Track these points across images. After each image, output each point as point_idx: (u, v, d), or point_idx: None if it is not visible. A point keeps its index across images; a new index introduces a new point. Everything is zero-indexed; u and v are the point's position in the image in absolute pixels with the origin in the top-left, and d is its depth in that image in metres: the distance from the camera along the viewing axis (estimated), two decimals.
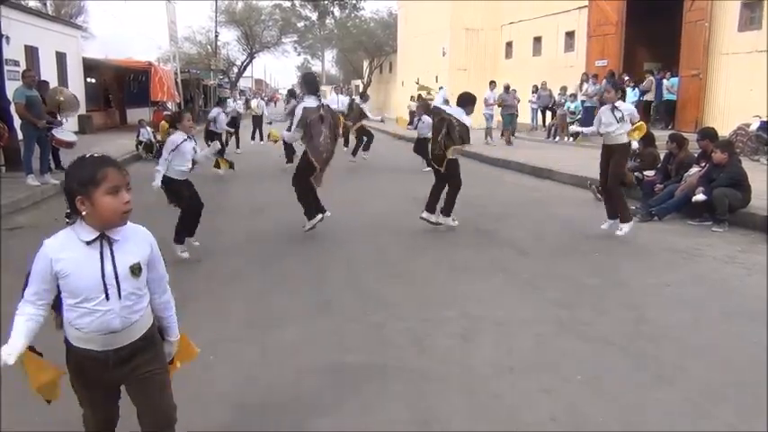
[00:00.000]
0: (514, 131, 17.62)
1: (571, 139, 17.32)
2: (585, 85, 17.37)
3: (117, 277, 1.95)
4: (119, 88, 26.11)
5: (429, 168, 8.52)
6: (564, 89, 18.49)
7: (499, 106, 17.61)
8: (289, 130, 7.33)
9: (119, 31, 72.07)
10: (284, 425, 2.96)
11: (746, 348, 3.79)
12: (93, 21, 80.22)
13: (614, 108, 6.44)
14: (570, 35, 20.92)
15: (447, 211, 7.07)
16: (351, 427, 2.93)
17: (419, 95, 22.63)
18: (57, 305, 2.01)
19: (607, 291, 4.95)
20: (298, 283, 5.19)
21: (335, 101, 18.73)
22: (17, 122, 10.00)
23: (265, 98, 46.78)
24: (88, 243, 1.94)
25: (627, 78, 17.01)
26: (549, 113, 20.01)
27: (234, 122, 15.60)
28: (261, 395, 3.24)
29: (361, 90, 25.99)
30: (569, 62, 20.55)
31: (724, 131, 11.65)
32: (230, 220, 7.80)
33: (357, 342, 3.93)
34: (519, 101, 17.71)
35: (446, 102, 9.95)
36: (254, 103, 20.62)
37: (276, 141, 7.22)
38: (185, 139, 5.69)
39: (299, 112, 6.57)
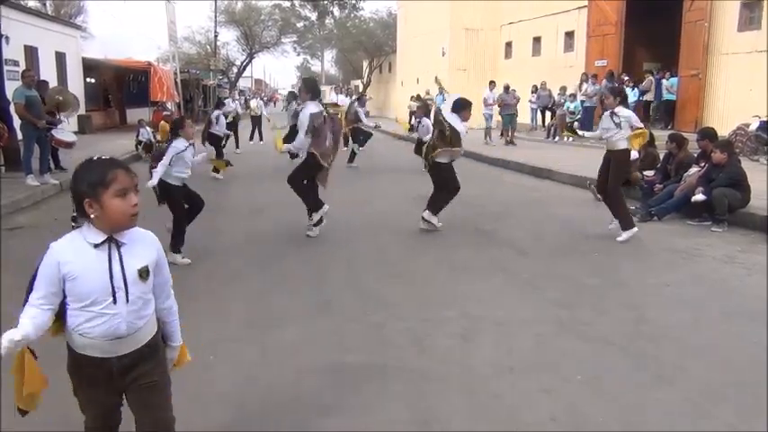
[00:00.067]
0: (514, 131, 17.59)
1: (570, 138, 17.33)
2: (585, 86, 17.38)
3: (125, 280, 1.93)
4: (118, 88, 26.10)
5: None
6: (563, 89, 18.50)
7: (499, 106, 17.61)
8: (289, 136, 7.38)
9: (118, 31, 72.02)
10: (284, 425, 2.96)
11: (746, 348, 3.79)
12: (93, 21, 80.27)
13: (613, 114, 6.45)
14: (570, 35, 20.93)
15: (434, 209, 7.00)
16: (351, 427, 2.92)
17: (418, 95, 22.69)
18: (59, 312, 1.99)
19: (607, 291, 4.95)
20: (298, 283, 5.18)
21: (335, 101, 18.75)
22: (17, 122, 10.00)
23: (265, 98, 46.84)
24: (96, 246, 1.92)
25: (626, 78, 17.03)
26: (548, 113, 20.02)
27: (233, 123, 15.59)
28: (261, 395, 3.24)
29: (360, 90, 26.03)
30: (569, 62, 20.56)
31: (723, 131, 11.66)
32: (230, 220, 7.80)
33: (357, 342, 3.93)
34: (519, 100, 17.69)
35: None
36: (253, 103, 20.61)
37: (281, 152, 7.10)
38: (187, 147, 5.73)
39: (305, 119, 6.57)
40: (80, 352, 1.98)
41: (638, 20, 17.33)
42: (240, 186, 10.85)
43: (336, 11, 45.74)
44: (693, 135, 8.90)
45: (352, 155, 13.61)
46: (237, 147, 16.34)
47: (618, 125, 6.40)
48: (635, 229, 6.48)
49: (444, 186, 7.00)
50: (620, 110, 6.44)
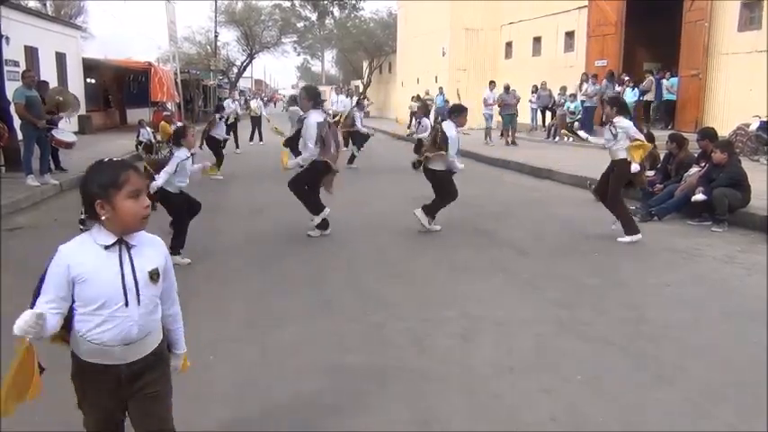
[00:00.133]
0: (515, 132, 17.58)
1: (570, 138, 17.33)
2: (585, 86, 17.37)
3: (136, 283, 1.91)
4: (118, 88, 26.11)
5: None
6: (564, 89, 18.50)
7: (499, 106, 17.60)
8: (291, 140, 7.40)
9: (118, 32, 72.04)
10: (284, 425, 2.96)
11: (746, 348, 3.79)
12: (93, 21, 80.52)
13: (611, 124, 6.50)
14: (570, 35, 20.93)
15: (427, 209, 6.98)
16: (351, 427, 2.92)
17: (418, 96, 22.72)
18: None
19: (607, 291, 4.95)
20: (298, 283, 5.19)
21: (335, 101, 18.76)
22: (17, 123, 10.00)
23: (265, 98, 46.83)
24: (107, 248, 1.90)
25: (627, 78, 17.02)
26: (548, 113, 20.02)
27: (233, 124, 15.60)
28: (261, 395, 3.24)
29: (360, 90, 26.00)
30: (569, 62, 20.56)
31: (724, 131, 11.65)
32: (230, 220, 7.81)
33: (357, 342, 3.93)
34: (519, 99, 17.68)
35: (446, 102, 9.96)
36: (253, 104, 20.62)
37: (288, 168, 7.02)
38: (189, 156, 5.76)
39: (312, 129, 6.57)
40: (88, 360, 1.94)
41: (639, 20, 17.32)
42: (240, 186, 10.85)
43: (336, 11, 45.76)
44: (693, 135, 8.90)
45: (352, 156, 13.61)
46: (237, 147, 16.34)
47: (615, 136, 6.44)
48: (639, 236, 6.44)
49: (441, 193, 7.00)
50: (618, 120, 6.43)
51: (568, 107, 17.91)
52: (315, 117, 6.63)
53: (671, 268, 5.59)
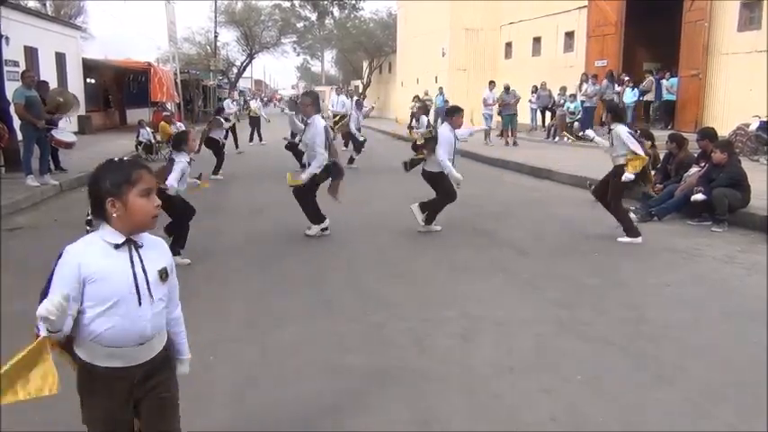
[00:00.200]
0: (516, 132, 17.56)
1: (568, 138, 17.33)
2: (585, 86, 17.37)
3: (147, 281, 1.90)
4: (118, 89, 26.11)
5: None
6: (563, 89, 18.49)
7: (500, 107, 17.59)
8: (295, 152, 7.31)
9: (118, 32, 72.04)
10: (284, 425, 2.96)
11: (746, 348, 3.79)
12: (93, 21, 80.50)
13: (610, 130, 6.58)
14: (570, 35, 20.93)
15: (424, 207, 6.99)
16: (351, 427, 2.93)
17: (417, 96, 22.73)
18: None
19: (607, 291, 4.95)
20: (298, 283, 5.19)
21: (335, 102, 18.75)
22: (17, 123, 10.00)
23: (265, 98, 46.81)
24: (117, 247, 1.88)
25: (627, 79, 17.02)
26: (548, 114, 20.02)
27: (232, 125, 15.64)
28: (261, 395, 3.24)
29: (360, 90, 25.98)
30: (569, 62, 20.56)
31: (723, 131, 11.65)
32: (230, 220, 7.81)
33: (357, 342, 3.93)
34: (519, 99, 17.66)
35: (446, 102, 9.98)
36: (253, 104, 20.65)
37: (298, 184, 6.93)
38: (190, 161, 5.78)
39: (321, 134, 6.59)
40: (100, 364, 1.89)
41: (638, 20, 17.32)
42: (240, 187, 10.84)
43: (336, 11, 45.78)
44: (693, 135, 8.90)
45: (351, 157, 13.65)
46: (237, 147, 16.35)
47: (611, 142, 6.54)
48: (639, 239, 6.45)
49: (443, 194, 6.99)
50: (616, 128, 6.48)
51: (568, 107, 17.91)
52: (321, 122, 6.66)
53: (671, 268, 5.59)
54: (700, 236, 6.72)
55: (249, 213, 8.29)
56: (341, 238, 6.76)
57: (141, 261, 1.90)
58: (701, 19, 15.04)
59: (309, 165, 6.79)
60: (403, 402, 3.14)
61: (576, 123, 17.74)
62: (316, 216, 6.78)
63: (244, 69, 48.70)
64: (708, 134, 7.73)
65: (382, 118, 34.44)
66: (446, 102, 20.40)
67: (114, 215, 1.86)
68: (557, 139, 17.91)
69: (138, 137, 14.94)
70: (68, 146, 10.61)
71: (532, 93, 19.99)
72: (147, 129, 15.10)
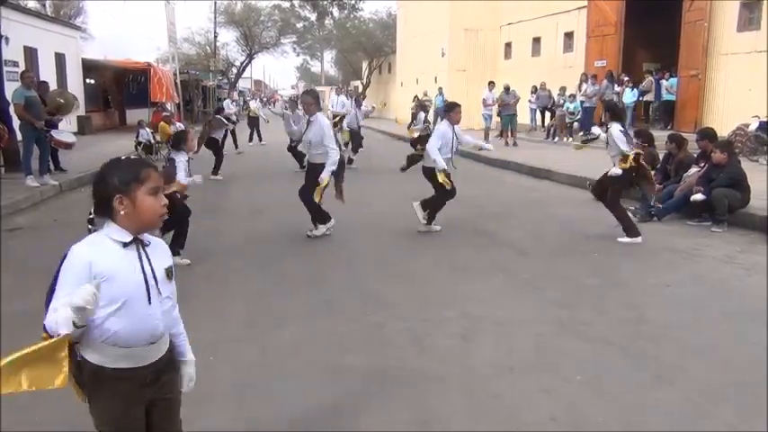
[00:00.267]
0: (515, 132, 17.55)
1: (569, 139, 17.33)
2: (585, 86, 17.37)
3: (156, 280, 1.88)
4: (118, 89, 26.11)
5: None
6: (563, 89, 18.50)
7: (500, 107, 17.59)
8: (295, 153, 7.23)
9: (118, 32, 72.12)
10: (284, 425, 2.96)
11: (746, 348, 3.79)
12: (93, 21, 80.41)
13: (607, 129, 6.61)
14: (569, 35, 20.93)
15: (426, 204, 6.99)
16: (351, 427, 2.93)
17: (416, 96, 22.73)
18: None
19: (607, 291, 4.95)
20: (298, 283, 5.19)
21: (335, 102, 18.76)
22: (17, 123, 10.00)
23: (264, 99, 46.77)
24: (125, 245, 1.86)
25: (626, 79, 17.03)
26: (548, 114, 20.02)
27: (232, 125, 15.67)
28: (261, 395, 3.24)
29: (359, 90, 25.95)
30: (568, 62, 20.56)
31: (723, 132, 11.66)
32: (230, 220, 7.80)
33: (357, 342, 3.93)
34: (518, 99, 17.65)
35: (445, 102, 9.99)
36: (252, 104, 20.64)
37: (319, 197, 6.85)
38: (189, 159, 5.80)
39: (328, 132, 6.62)
40: (109, 366, 1.85)
41: (638, 20, 17.33)
42: (240, 187, 10.84)
43: (336, 11, 45.77)
44: (693, 135, 8.90)
45: (350, 158, 13.65)
46: (237, 147, 16.35)
47: (607, 141, 6.57)
48: (639, 239, 6.45)
49: (441, 191, 6.98)
50: (611, 126, 6.52)
51: (567, 107, 17.91)
52: (325, 120, 6.70)
53: (671, 268, 5.59)
54: (699, 236, 6.72)
55: (249, 213, 8.29)
56: (341, 238, 6.76)
57: (149, 259, 1.89)
58: (701, 19, 15.05)
59: (310, 164, 6.77)
60: (403, 402, 3.14)
61: (576, 123, 17.75)
62: (320, 215, 6.78)
63: (243, 70, 48.69)
64: (707, 134, 7.73)
65: (382, 118, 34.43)
66: (445, 102, 20.37)
67: (122, 212, 1.84)
68: (556, 139, 17.91)
69: (137, 137, 14.92)
70: (68, 146, 10.60)
71: (532, 93, 19.99)
72: (147, 129, 15.09)
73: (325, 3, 44.76)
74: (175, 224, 5.77)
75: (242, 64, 47.50)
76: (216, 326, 4.14)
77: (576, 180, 10.33)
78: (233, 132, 16.14)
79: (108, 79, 24.81)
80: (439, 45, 27.02)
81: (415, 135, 7.03)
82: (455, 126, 6.98)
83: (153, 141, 14.71)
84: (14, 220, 7.71)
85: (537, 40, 22.85)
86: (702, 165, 7.46)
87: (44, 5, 30.16)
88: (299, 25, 47.28)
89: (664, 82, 16.44)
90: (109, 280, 1.80)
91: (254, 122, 19.14)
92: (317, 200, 6.58)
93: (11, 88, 10.49)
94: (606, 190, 6.74)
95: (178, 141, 5.90)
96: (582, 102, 17.32)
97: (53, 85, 14.46)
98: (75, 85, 19.61)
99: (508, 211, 8.30)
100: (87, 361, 1.85)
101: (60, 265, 1.82)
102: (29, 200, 8.78)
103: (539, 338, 3.97)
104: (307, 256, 6.10)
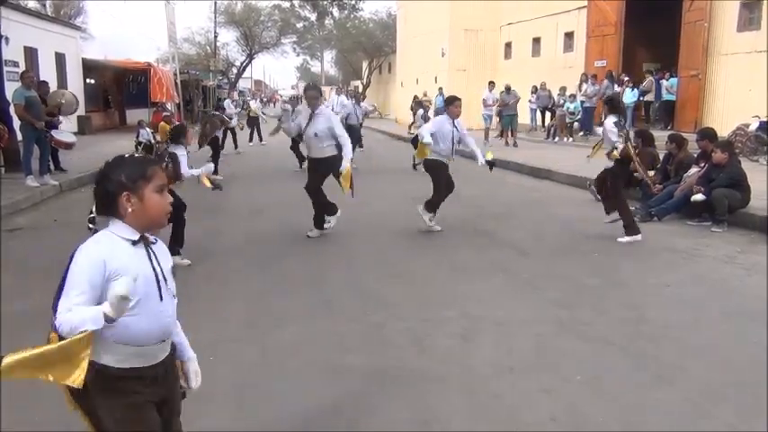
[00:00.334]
0: (516, 132, 17.54)
1: (570, 138, 17.34)
2: (585, 86, 17.36)
3: (164, 277, 1.88)
4: (118, 89, 26.11)
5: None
6: (563, 89, 18.49)
7: (500, 107, 17.57)
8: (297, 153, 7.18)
9: (118, 32, 72.07)
10: (284, 425, 2.96)
11: (746, 348, 3.79)
12: (93, 21, 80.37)
13: (602, 122, 6.64)
14: (569, 35, 20.92)
15: (428, 206, 6.94)
16: (351, 427, 2.93)
17: (415, 96, 22.72)
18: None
19: (607, 291, 4.95)
20: (298, 283, 5.19)
21: (335, 102, 18.77)
22: (17, 123, 10.00)
23: (264, 99, 46.75)
24: (134, 243, 1.84)
25: (626, 79, 17.02)
26: (548, 114, 20.02)
27: (231, 127, 15.69)
28: (261, 395, 3.24)
29: (360, 90, 25.92)
30: (568, 62, 20.55)
31: (723, 132, 11.65)
32: (230, 221, 7.80)
33: (357, 342, 3.93)
34: (519, 99, 17.64)
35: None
36: (253, 104, 20.64)
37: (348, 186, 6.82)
38: (187, 153, 5.81)
39: (336, 122, 6.66)
40: (119, 366, 1.81)
41: (638, 20, 17.32)
42: (240, 187, 10.83)
43: (336, 11, 45.72)
44: (693, 135, 8.90)
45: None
46: (236, 147, 16.35)
47: (603, 135, 6.61)
48: (639, 236, 6.45)
49: (436, 185, 6.95)
50: (606, 119, 6.54)
51: (568, 108, 17.91)
52: (328, 110, 6.69)
53: (671, 268, 5.59)
54: (699, 236, 6.72)
55: (249, 213, 8.29)
56: (341, 238, 6.76)
57: (156, 257, 1.89)
58: (701, 19, 15.04)
59: (314, 159, 6.73)
60: (403, 402, 3.14)
61: (576, 124, 17.75)
62: (329, 207, 6.78)
63: (243, 70, 48.68)
64: (707, 134, 7.73)
65: (382, 118, 34.43)
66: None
67: (129, 210, 1.82)
68: (556, 139, 17.91)
69: (137, 137, 14.90)
70: (68, 146, 10.60)
71: (532, 93, 19.98)
72: (147, 129, 15.05)
73: (325, 3, 44.73)
74: (172, 219, 5.78)
75: (242, 64, 47.50)
76: (216, 326, 4.14)
77: (576, 180, 10.33)
78: (233, 132, 16.15)
79: (108, 79, 24.81)
80: (439, 45, 27.00)
81: (415, 132, 7.11)
82: (456, 120, 6.89)
83: (153, 141, 14.70)
84: (14, 220, 7.71)
85: (537, 41, 22.83)
86: (702, 165, 7.46)
87: (44, 5, 30.13)
88: (299, 25, 47.26)
89: (664, 82, 16.43)
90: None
91: (254, 122, 19.14)
92: (346, 190, 6.55)
93: (11, 88, 10.50)
94: (606, 185, 6.76)
95: (177, 135, 5.91)
96: (582, 102, 17.32)
97: (53, 86, 14.45)
98: (76, 85, 19.60)
99: (508, 212, 8.30)
100: (94, 362, 1.77)
101: (68, 266, 1.78)
102: (29, 200, 8.79)
103: (539, 338, 3.97)
104: (307, 256, 6.10)
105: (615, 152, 6.42)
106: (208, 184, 6.10)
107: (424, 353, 3.78)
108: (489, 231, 7.11)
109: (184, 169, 5.61)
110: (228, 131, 15.83)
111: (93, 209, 1.89)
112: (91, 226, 1.89)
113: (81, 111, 17.42)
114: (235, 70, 47.49)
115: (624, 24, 17.87)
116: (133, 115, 23.66)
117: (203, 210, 7.81)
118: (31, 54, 16.94)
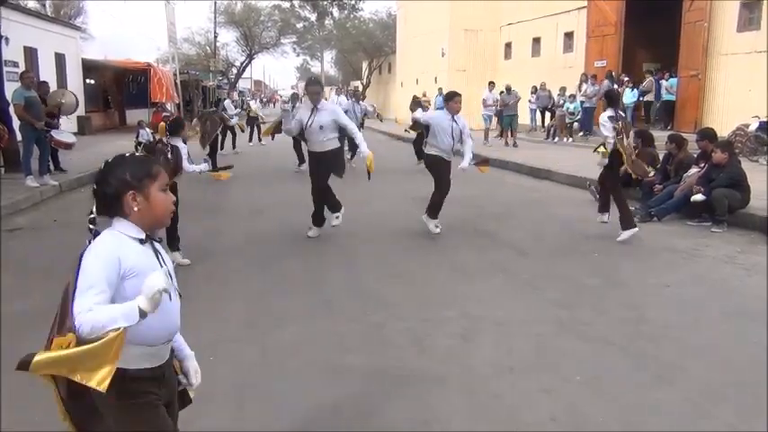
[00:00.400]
0: (516, 133, 17.53)
1: (570, 139, 17.33)
2: (584, 86, 17.37)
3: (171, 276, 1.84)
4: (118, 89, 26.10)
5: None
6: (563, 90, 18.50)
7: (501, 107, 17.57)
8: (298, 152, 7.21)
9: (118, 32, 72.14)
10: (284, 425, 2.96)
11: (746, 348, 3.79)
12: (93, 21, 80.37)
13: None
14: (569, 36, 20.92)
15: (430, 212, 6.85)
16: (351, 427, 2.92)
17: (415, 96, 22.73)
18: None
19: (607, 291, 4.95)
20: (298, 283, 5.19)
21: (335, 102, 18.77)
22: (16, 124, 10.00)
23: (264, 99, 46.72)
24: (142, 241, 1.82)
25: (626, 79, 17.02)
26: (548, 114, 20.02)
27: (231, 126, 15.68)
28: (261, 395, 3.24)
29: (360, 91, 25.89)
30: (568, 63, 20.55)
31: (723, 132, 11.65)
32: (230, 220, 7.80)
33: (357, 342, 3.93)
34: (520, 99, 17.63)
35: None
36: (253, 104, 20.66)
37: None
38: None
39: (340, 111, 6.72)
40: (131, 367, 1.78)
41: (638, 20, 17.32)
42: (240, 187, 10.82)
43: (336, 12, 45.72)
44: (693, 135, 8.90)
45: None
46: (234, 147, 16.35)
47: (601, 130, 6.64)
48: (635, 229, 6.47)
49: (437, 181, 6.88)
50: (602, 114, 6.56)
51: (567, 108, 17.91)
52: (330, 103, 6.68)
53: (671, 268, 5.59)
54: (699, 236, 6.72)
55: (249, 213, 8.28)
56: (341, 238, 6.76)
57: (162, 256, 1.88)
58: (701, 19, 15.05)
59: (319, 153, 6.68)
60: (403, 402, 3.14)
61: (576, 124, 17.75)
62: (337, 203, 6.79)
63: (243, 70, 48.68)
64: (707, 135, 7.73)
65: (382, 122, 34.40)
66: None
67: (135, 209, 1.80)
68: (556, 139, 17.91)
69: (137, 137, 14.89)
70: (68, 146, 10.60)
71: (532, 93, 19.99)
72: (147, 129, 15.03)
73: (326, 3, 44.72)
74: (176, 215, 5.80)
75: (242, 64, 47.50)
76: (216, 326, 4.14)
77: (575, 180, 10.33)
78: (233, 132, 16.15)
79: (108, 79, 24.81)
80: (439, 45, 27.01)
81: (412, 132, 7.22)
82: (456, 116, 6.75)
83: (153, 141, 14.70)
84: (14, 221, 7.71)
85: (537, 41, 22.84)
86: (702, 165, 7.46)
87: (44, 5, 30.16)
88: (299, 25, 47.24)
89: (664, 82, 16.43)
90: (138, 276, 1.74)
91: (253, 122, 19.15)
92: (371, 171, 6.68)
93: (11, 88, 10.49)
94: (606, 180, 6.81)
95: (176, 128, 5.91)
96: (582, 102, 17.32)
97: (53, 86, 14.45)
98: (76, 85, 19.60)
99: (508, 212, 8.31)
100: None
101: (79, 267, 1.73)
102: (29, 200, 8.78)
103: (539, 338, 3.97)
104: (307, 256, 6.10)
105: (601, 148, 6.46)
106: (225, 177, 6.18)
107: (424, 353, 3.78)
108: (489, 231, 7.11)
109: (185, 163, 5.61)
110: (228, 131, 15.85)
111: (94, 209, 1.86)
112: (91, 227, 1.85)
113: (81, 111, 17.42)
114: (234, 70, 47.49)
115: (624, 24, 17.87)
116: (133, 115, 23.66)
117: (203, 210, 7.81)
118: (30, 54, 16.94)
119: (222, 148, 15.05)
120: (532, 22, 22.70)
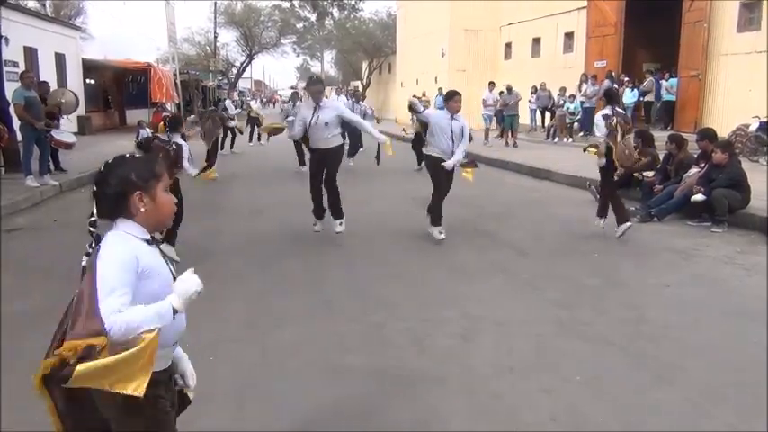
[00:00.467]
0: (516, 133, 17.52)
1: (569, 139, 17.33)
2: (585, 86, 17.37)
3: (174, 277, 1.85)
4: (118, 89, 26.11)
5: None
6: (563, 90, 18.50)
7: (501, 107, 17.56)
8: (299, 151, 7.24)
9: (118, 32, 72.03)
10: (284, 425, 2.96)
11: (746, 348, 3.79)
12: (93, 22, 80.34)
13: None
14: (569, 36, 20.92)
15: (432, 219, 6.73)
16: (351, 427, 2.92)
17: (414, 96, 22.74)
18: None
19: (607, 291, 4.95)
20: (298, 284, 5.19)
21: (336, 102, 18.79)
22: (17, 124, 10.00)
23: (264, 99, 46.71)
24: (149, 242, 1.81)
25: (626, 79, 17.02)
26: (548, 114, 20.02)
27: (231, 127, 15.72)
28: (261, 395, 3.24)
29: (360, 91, 25.90)
30: (568, 63, 20.55)
31: (723, 132, 11.65)
32: (230, 220, 7.80)
33: (357, 342, 3.93)
34: (520, 99, 17.63)
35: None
36: (253, 105, 20.66)
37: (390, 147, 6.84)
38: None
39: (344, 107, 6.84)
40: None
41: (638, 20, 17.32)
42: (240, 187, 10.84)
43: (336, 12, 45.73)
44: (693, 136, 8.90)
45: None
46: (232, 147, 16.34)
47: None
48: (629, 223, 6.51)
49: (435, 183, 6.77)
50: (599, 113, 6.59)
51: (568, 108, 17.92)
52: (332, 100, 6.68)
53: (671, 268, 5.59)
54: (699, 236, 6.72)
55: (249, 213, 8.28)
56: (341, 238, 6.76)
57: (165, 256, 1.87)
58: (701, 20, 15.05)
59: (322, 150, 6.62)
60: (403, 402, 3.14)
61: (576, 124, 17.75)
62: (340, 208, 6.80)
63: (243, 70, 48.69)
64: (707, 135, 7.73)
65: (382, 119, 34.43)
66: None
67: (142, 209, 1.78)
68: (556, 139, 17.91)
69: (137, 137, 14.89)
70: (68, 146, 10.60)
71: (532, 93, 19.99)
72: (147, 129, 15.03)
73: (326, 3, 44.73)
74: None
75: (242, 64, 47.51)
76: (216, 326, 4.14)
77: (575, 180, 10.33)
78: (233, 132, 16.15)
79: (108, 79, 24.81)
80: (439, 45, 27.01)
81: (411, 132, 7.25)
82: (456, 115, 6.62)
83: (150, 138, 14.69)
84: (14, 221, 7.71)
85: (537, 41, 22.84)
86: (702, 165, 7.46)
87: (44, 5, 30.14)
88: (299, 25, 47.25)
89: (664, 82, 16.43)
90: (152, 276, 1.74)
91: (253, 122, 19.14)
92: (390, 152, 6.75)
93: (11, 88, 10.49)
94: (604, 186, 6.85)
95: (176, 124, 5.92)
96: (582, 102, 17.32)
97: (53, 86, 14.44)
98: (76, 85, 19.58)
99: (508, 212, 8.31)
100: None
101: (96, 268, 1.67)
102: (29, 200, 8.79)
103: (539, 338, 3.97)
104: (307, 256, 6.10)
105: (591, 148, 6.48)
106: (212, 176, 6.21)
107: (424, 353, 3.78)
108: (489, 232, 7.11)
109: (185, 163, 5.62)
110: (228, 131, 15.85)
111: (94, 211, 1.83)
112: (92, 229, 1.82)
113: (81, 111, 17.42)
114: (234, 70, 47.49)
115: (624, 24, 17.86)
116: (133, 115, 23.66)
117: (203, 210, 7.81)
118: (30, 54, 16.94)
119: (222, 148, 15.05)
120: (532, 22, 22.70)
